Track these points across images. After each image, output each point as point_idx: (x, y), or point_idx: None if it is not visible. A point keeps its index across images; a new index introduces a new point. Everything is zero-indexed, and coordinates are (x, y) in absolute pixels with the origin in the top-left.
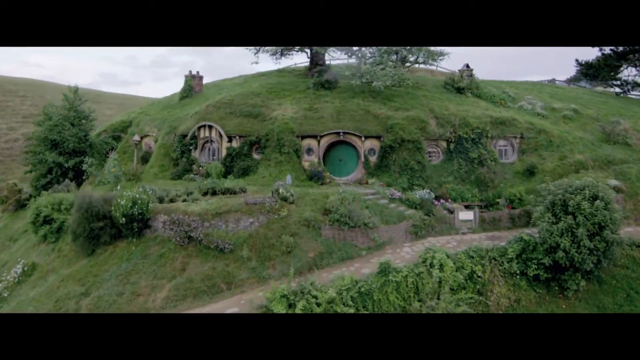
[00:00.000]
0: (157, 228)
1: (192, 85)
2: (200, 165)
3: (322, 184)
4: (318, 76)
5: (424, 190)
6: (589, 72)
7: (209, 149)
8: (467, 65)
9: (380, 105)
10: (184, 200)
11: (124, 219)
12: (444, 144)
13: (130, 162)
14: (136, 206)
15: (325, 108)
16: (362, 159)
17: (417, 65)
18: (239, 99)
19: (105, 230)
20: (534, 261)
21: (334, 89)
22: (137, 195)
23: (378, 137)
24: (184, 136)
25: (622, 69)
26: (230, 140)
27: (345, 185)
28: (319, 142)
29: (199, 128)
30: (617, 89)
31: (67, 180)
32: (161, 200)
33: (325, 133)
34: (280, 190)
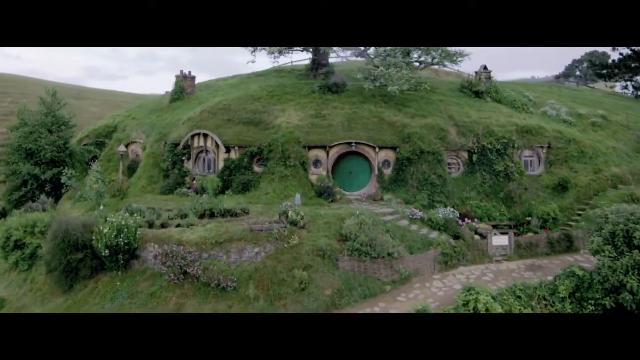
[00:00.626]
0: (147, 259)
1: (184, 86)
2: (193, 178)
3: (332, 201)
4: (324, 78)
5: (448, 209)
6: (602, 72)
7: (204, 160)
8: (485, 67)
9: (394, 112)
10: (178, 225)
11: (107, 251)
12: (465, 154)
13: (115, 171)
14: (122, 235)
15: (334, 115)
16: (376, 171)
17: (417, 64)
18: (237, 103)
19: (85, 262)
20: (590, 301)
21: (342, 92)
22: (123, 222)
23: (393, 148)
24: (176, 145)
25: None
26: (228, 151)
27: (358, 202)
28: (327, 153)
29: (193, 136)
30: (629, 90)
31: (43, 197)
32: (151, 225)
33: (335, 143)
34: (290, 214)
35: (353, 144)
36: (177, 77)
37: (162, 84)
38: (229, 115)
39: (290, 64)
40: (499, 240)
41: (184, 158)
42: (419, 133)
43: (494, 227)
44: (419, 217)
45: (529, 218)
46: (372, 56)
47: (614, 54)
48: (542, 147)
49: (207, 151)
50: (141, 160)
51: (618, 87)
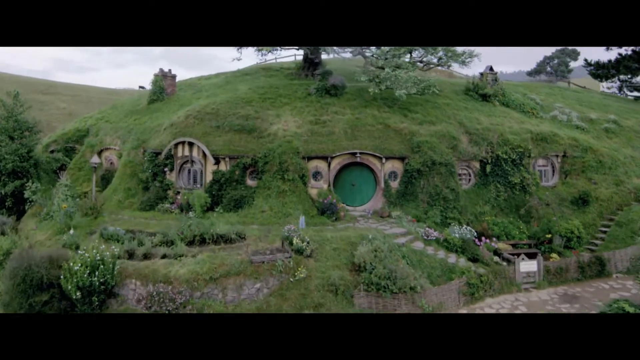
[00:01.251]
0: (127, 297)
1: (163, 86)
2: (177, 192)
3: (336, 219)
4: (321, 80)
5: (464, 227)
6: (598, 72)
7: (189, 172)
8: (491, 68)
9: (400, 118)
10: (164, 256)
11: (78, 293)
12: (477, 164)
13: (87, 182)
14: (96, 273)
15: (335, 121)
16: (382, 184)
17: (420, 64)
18: (227, 107)
19: (51, 304)
20: None
21: (341, 95)
22: (98, 257)
23: (401, 158)
24: (157, 154)
25: None
26: (217, 162)
27: (364, 220)
28: (329, 164)
29: (177, 145)
30: (620, 91)
31: (1, 217)
32: (131, 255)
33: (338, 154)
34: (294, 241)
35: (358, 155)
36: (155, 76)
37: (135, 78)
38: (217, 121)
39: (275, 61)
40: (527, 265)
41: (166, 169)
42: (429, 142)
43: (514, 246)
44: (434, 237)
45: (549, 235)
46: (375, 56)
47: (611, 53)
48: (557, 155)
49: (192, 162)
50: (117, 169)
51: (602, 87)
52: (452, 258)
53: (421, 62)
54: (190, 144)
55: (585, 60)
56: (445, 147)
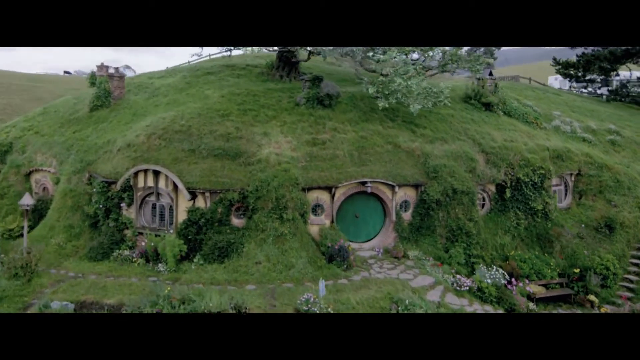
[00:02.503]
0: None
1: (109, 89)
2: (138, 232)
3: (347, 267)
4: (312, 87)
5: (494, 270)
6: (567, 71)
7: (155, 207)
8: (490, 73)
9: (408, 135)
10: None
11: None
12: (493, 188)
13: (13, 213)
14: None
15: (337, 141)
16: (393, 216)
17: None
18: (199, 123)
19: None
20: None
21: (335, 106)
22: None
23: (415, 186)
24: (109, 183)
25: (614, 72)
26: (193, 197)
27: (378, 264)
28: (332, 195)
29: (137, 173)
30: (597, 92)
31: None
32: None
33: (346, 183)
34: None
35: (369, 185)
36: (99, 77)
37: (60, 62)
38: (191, 142)
39: (250, 51)
40: None
41: (122, 204)
42: (447, 166)
43: (545, 287)
44: (467, 287)
45: (576, 270)
46: (377, 59)
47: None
48: (570, 174)
49: (159, 194)
50: (52, 198)
51: (551, 82)
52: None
53: (423, 67)
54: (156, 173)
55: (554, 59)
56: (464, 170)
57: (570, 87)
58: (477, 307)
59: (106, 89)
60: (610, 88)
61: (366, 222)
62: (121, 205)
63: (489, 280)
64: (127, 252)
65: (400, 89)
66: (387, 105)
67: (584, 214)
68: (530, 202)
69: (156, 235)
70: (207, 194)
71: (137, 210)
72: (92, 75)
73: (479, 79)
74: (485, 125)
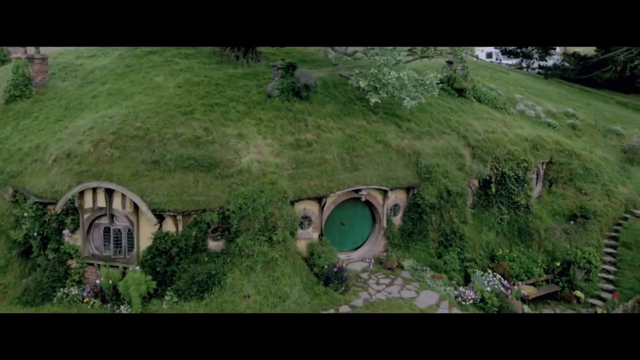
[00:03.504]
0: None
1: (30, 75)
2: (86, 264)
3: (345, 290)
4: (285, 76)
5: (490, 275)
6: (513, 50)
7: (109, 231)
8: (461, 58)
9: (394, 130)
10: None
11: None
12: (476, 182)
13: None
14: None
15: (324, 142)
16: (384, 223)
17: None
18: (159, 124)
19: None
20: None
21: (312, 98)
22: None
23: (406, 188)
24: (45, 204)
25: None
26: (160, 221)
27: (372, 278)
28: (322, 205)
29: (84, 192)
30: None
31: None
32: None
33: (337, 192)
34: None
35: (363, 193)
36: (16, 61)
37: None
38: (153, 150)
39: None
40: None
41: (65, 230)
42: (440, 165)
43: (534, 285)
44: (471, 300)
45: (558, 264)
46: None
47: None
48: (542, 162)
49: (113, 216)
50: None
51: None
52: None
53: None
54: (110, 192)
55: None
56: (455, 168)
57: (498, 59)
58: None
59: (25, 75)
60: (543, 63)
61: (353, 228)
62: (62, 231)
63: (488, 289)
64: (75, 291)
65: (392, 81)
66: (379, 101)
67: (556, 203)
68: (513, 196)
69: (112, 267)
70: (179, 217)
71: (85, 236)
72: (1, 52)
73: (449, 62)
74: (464, 115)
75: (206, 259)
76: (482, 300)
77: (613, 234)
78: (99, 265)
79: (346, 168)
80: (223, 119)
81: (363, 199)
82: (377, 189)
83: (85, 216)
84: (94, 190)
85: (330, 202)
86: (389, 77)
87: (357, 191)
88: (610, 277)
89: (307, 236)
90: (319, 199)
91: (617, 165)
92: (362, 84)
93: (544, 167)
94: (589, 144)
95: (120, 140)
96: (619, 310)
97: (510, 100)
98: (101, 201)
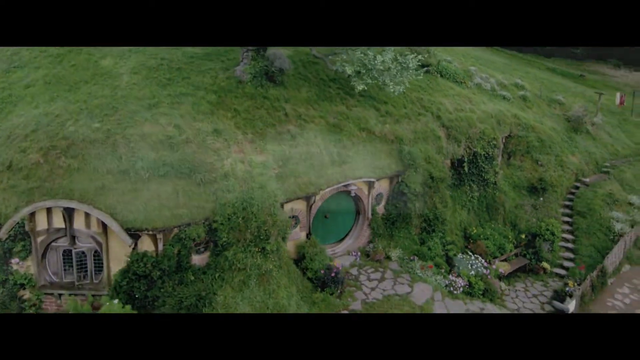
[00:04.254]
0: None
1: None
2: (45, 292)
3: (341, 293)
4: (256, 59)
5: (472, 257)
6: None
7: (70, 255)
8: None
9: (374, 114)
10: None
11: None
12: (448, 162)
13: None
14: None
15: (309, 133)
16: (369, 213)
17: None
18: (121, 122)
19: None
20: None
21: (285, 82)
22: None
23: (390, 177)
24: None
25: None
26: (134, 242)
27: (362, 273)
28: (310, 205)
29: (34, 213)
30: None
31: None
32: None
33: (328, 189)
34: None
35: (354, 188)
36: None
37: None
38: (119, 157)
39: None
40: (573, 304)
41: (14, 259)
42: (422, 151)
43: (506, 261)
44: (461, 288)
45: (523, 236)
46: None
47: None
48: (502, 137)
49: (74, 237)
50: None
51: None
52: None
53: None
54: (70, 212)
55: None
56: (436, 152)
57: None
58: (470, 306)
59: None
60: None
61: (335, 221)
62: (10, 259)
63: (472, 272)
64: None
65: (378, 66)
66: (365, 88)
67: (515, 175)
68: (483, 174)
69: (76, 295)
70: (159, 235)
71: (39, 262)
72: None
73: None
74: (434, 93)
75: (192, 277)
76: (469, 285)
77: (567, 202)
78: (59, 294)
79: (334, 161)
80: (194, 112)
81: (353, 194)
82: (364, 181)
83: (39, 239)
84: (48, 210)
85: (318, 199)
86: (375, 61)
87: (346, 185)
88: (569, 245)
89: (295, 236)
90: (308, 198)
91: (565, 135)
92: (349, 70)
93: (504, 140)
94: (539, 114)
95: (76, 147)
96: (587, 282)
97: (467, 73)
98: (57, 222)
